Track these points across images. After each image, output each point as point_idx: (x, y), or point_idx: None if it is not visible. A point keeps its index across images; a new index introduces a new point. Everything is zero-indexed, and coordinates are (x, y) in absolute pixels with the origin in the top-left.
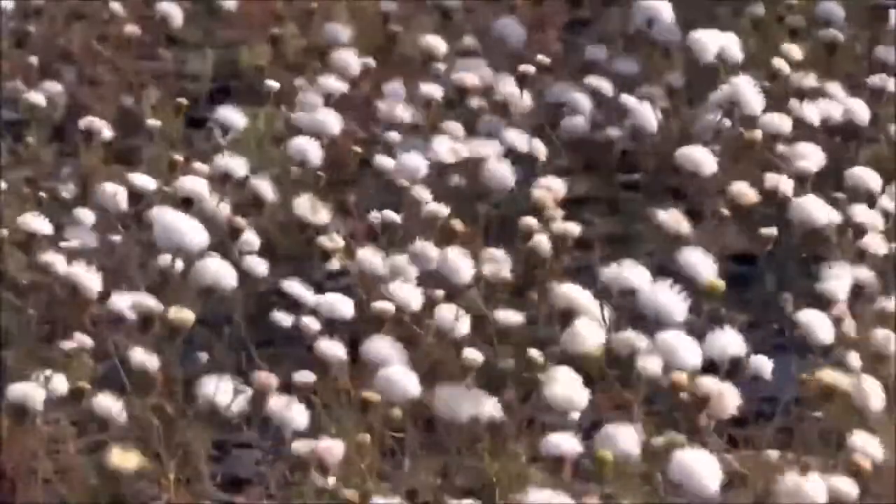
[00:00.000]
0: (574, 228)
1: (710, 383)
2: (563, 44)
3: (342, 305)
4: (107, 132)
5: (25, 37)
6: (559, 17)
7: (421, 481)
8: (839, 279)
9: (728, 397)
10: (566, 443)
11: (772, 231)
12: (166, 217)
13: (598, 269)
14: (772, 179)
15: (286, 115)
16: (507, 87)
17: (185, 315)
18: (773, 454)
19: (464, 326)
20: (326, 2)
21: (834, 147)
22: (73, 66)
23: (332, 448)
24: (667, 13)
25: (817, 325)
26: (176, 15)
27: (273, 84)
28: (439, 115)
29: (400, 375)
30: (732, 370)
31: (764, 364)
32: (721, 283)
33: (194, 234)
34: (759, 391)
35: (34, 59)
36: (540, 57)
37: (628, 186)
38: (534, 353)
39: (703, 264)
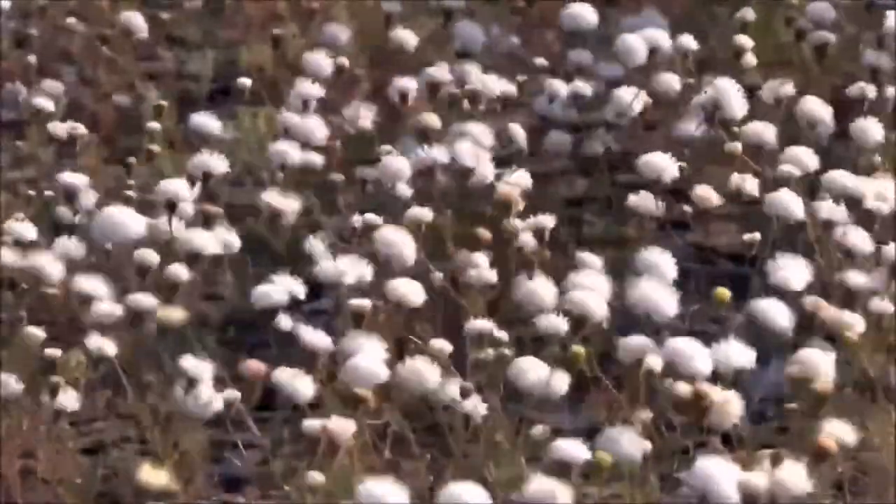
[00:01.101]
0: (548, 221)
1: (714, 392)
2: (563, 45)
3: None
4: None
5: (25, 37)
6: (558, 16)
7: (416, 480)
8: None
9: (732, 406)
10: (574, 448)
11: (754, 235)
12: (106, 212)
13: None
14: (736, 180)
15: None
16: (502, 88)
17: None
18: (770, 454)
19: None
20: (327, 2)
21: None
22: (73, 66)
23: (343, 426)
24: (591, 18)
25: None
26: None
27: (245, 82)
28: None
29: (367, 362)
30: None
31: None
32: (727, 293)
33: (135, 226)
34: (756, 391)
35: (34, 59)
36: (537, 59)
37: (627, 186)
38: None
39: (664, 264)
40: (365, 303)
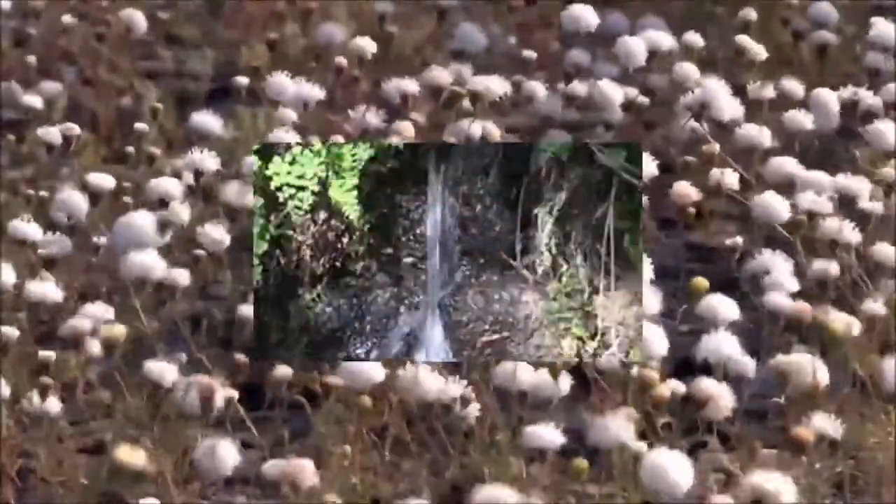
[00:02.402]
0: None
1: (706, 385)
2: (561, 43)
3: None
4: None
5: (25, 37)
6: (557, 16)
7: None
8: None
9: (724, 398)
10: (547, 434)
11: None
12: (125, 220)
13: None
14: (715, 175)
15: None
16: (500, 88)
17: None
18: (765, 452)
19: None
20: (326, 2)
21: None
22: (73, 66)
23: (304, 468)
24: (591, 20)
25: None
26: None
27: (242, 81)
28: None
29: (363, 363)
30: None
31: (750, 363)
32: (704, 282)
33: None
34: (750, 390)
35: (34, 59)
36: (536, 58)
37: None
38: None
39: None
40: None
